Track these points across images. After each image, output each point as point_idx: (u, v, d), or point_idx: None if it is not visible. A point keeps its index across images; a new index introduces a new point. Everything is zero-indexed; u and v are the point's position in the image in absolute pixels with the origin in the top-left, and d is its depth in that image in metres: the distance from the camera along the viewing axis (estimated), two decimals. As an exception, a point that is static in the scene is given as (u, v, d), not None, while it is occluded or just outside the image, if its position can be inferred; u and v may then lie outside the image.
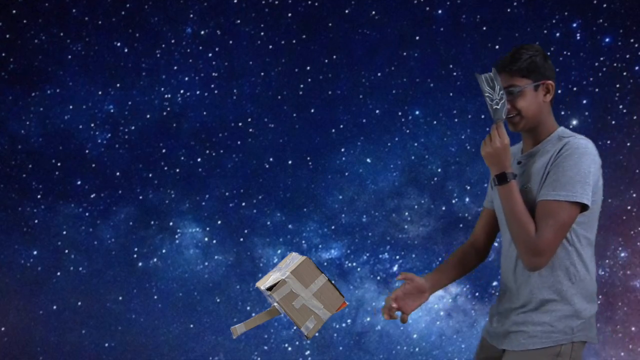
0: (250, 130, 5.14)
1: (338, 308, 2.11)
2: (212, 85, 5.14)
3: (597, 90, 4.89)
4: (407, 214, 5.20)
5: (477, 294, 5.11)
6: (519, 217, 1.75)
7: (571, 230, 1.80)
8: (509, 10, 4.95)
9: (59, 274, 5.06)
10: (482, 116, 5.02)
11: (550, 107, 1.91)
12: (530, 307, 1.84)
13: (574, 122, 4.91)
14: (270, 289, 2.01)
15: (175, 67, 5.12)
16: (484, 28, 4.99)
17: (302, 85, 5.12)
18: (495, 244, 2.20)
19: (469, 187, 5.14)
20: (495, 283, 5.04)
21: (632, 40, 4.81)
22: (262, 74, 5.13)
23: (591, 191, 1.75)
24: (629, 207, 4.90)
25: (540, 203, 1.76)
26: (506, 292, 1.96)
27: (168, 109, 5.14)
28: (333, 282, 2.07)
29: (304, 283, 2.01)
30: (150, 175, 5.14)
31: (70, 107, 5.09)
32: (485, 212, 2.15)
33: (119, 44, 5.09)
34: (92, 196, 5.09)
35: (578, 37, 4.92)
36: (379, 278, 5.16)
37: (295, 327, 2.09)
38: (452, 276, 2.09)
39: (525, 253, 1.75)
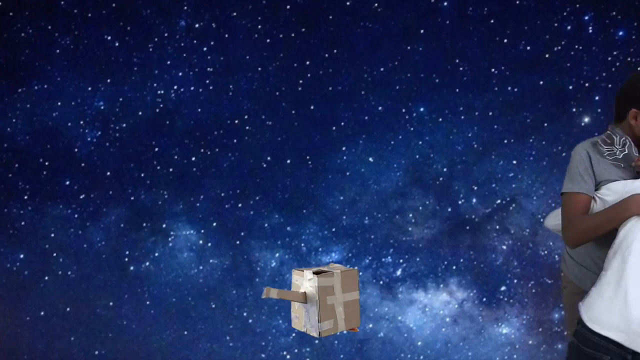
0: (247, 127, 5.07)
1: (351, 328, 2.21)
2: (207, 81, 5.07)
3: (610, 85, 4.78)
4: (411, 215, 5.08)
5: (484, 299, 4.94)
6: None
7: None
8: (517, 2, 4.85)
9: (46, 278, 4.99)
10: (490, 113, 4.88)
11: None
12: None
13: (586, 120, 4.79)
14: (318, 273, 2.12)
15: (169, 62, 5.06)
16: (492, 21, 4.90)
17: (301, 81, 5.04)
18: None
19: (475, 188, 5.01)
20: (503, 288, 4.85)
21: (646, 34, 4.67)
22: (260, 69, 5.04)
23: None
24: (643, 209, 4.73)
25: None
26: None
27: (161, 105, 5.08)
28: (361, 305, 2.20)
29: (344, 287, 2.14)
30: (142, 175, 5.06)
31: (59, 103, 5.02)
32: (586, 200, 2.03)
33: (109, 38, 5.01)
34: (81, 197, 5.03)
35: (590, 31, 4.82)
36: (381, 282, 5.04)
37: (305, 326, 2.16)
38: None
39: None
